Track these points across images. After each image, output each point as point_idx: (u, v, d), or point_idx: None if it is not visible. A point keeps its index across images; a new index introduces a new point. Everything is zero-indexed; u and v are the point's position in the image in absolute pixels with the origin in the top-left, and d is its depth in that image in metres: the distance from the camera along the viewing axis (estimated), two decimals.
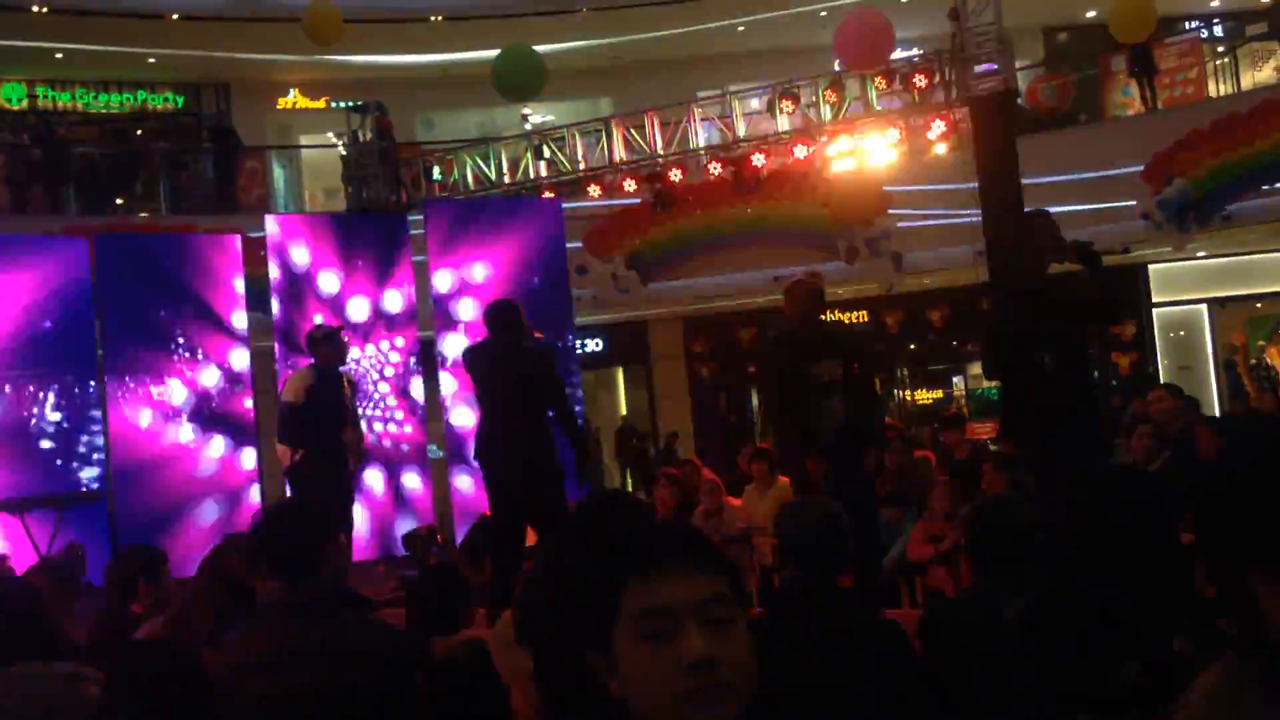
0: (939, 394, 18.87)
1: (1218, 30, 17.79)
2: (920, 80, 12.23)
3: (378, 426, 9.63)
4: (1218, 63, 17.05)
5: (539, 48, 12.04)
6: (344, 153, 14.66)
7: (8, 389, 8.84)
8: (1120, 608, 2.39)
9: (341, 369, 7.59)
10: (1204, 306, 17.05)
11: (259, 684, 2.80)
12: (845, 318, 18.23)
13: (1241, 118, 13.85)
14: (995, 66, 11.27)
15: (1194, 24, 17.03)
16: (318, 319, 9.03)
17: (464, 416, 9.51)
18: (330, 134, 18.39)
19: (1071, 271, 5.35)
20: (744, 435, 15.97)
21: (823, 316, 5.72)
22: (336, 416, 7.25)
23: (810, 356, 5.03)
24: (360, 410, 8.08)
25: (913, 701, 2.95)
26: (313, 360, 7.40)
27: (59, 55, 17.61)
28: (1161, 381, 12.95)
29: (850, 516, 3.10)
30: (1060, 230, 5.25)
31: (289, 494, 7.47)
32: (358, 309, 9.81)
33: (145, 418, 9.13)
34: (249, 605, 3.44)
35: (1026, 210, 5.50)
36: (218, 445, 9.38)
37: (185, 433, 9.27)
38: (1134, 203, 13.98)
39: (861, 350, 5.95)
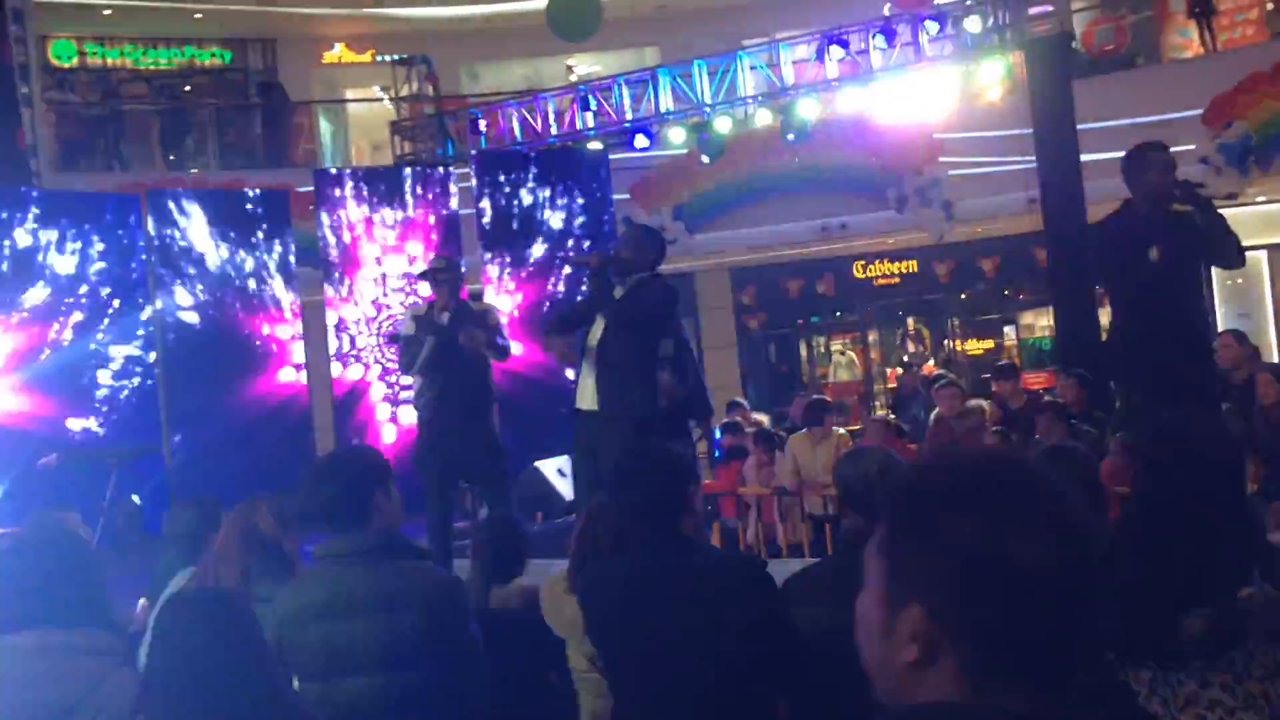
0: (990, 344, 18.66)
1: None
2: (973, 24, 11.95)
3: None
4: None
5: None
6: (390, 106, 14.64)
7: (64, 344, 8.95)
8: (1188, 556, 2.34)
9: (468, 303, 6.66)
10: (1263, 253, 16.68)
11: (313, 632, 2.81)
12: (893, 268, 18.10)
13: None
14: (1050, 8, 11.01)
15: None
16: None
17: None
18: (376, 88, 18.38)
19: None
20: (793, 385, 15.90)
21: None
22: (451, 352, 6.39)
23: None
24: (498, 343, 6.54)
25: None
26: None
27: (107, 12, 17.68)
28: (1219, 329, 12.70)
29: None
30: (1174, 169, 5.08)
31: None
32: (405, 259, 9.88)
33: (200, 369, 9.23)
34: (278, 565, 3.44)
35: (1141, 143, 5.29)
36: (272, 395, 9.48)
37: (239, 383, 9.37)
38: (1193, 146, 13.66)
39: None
